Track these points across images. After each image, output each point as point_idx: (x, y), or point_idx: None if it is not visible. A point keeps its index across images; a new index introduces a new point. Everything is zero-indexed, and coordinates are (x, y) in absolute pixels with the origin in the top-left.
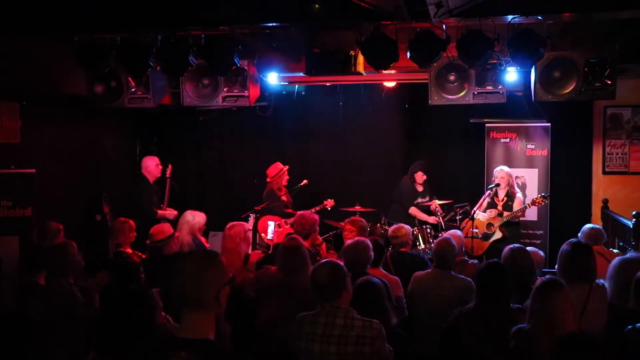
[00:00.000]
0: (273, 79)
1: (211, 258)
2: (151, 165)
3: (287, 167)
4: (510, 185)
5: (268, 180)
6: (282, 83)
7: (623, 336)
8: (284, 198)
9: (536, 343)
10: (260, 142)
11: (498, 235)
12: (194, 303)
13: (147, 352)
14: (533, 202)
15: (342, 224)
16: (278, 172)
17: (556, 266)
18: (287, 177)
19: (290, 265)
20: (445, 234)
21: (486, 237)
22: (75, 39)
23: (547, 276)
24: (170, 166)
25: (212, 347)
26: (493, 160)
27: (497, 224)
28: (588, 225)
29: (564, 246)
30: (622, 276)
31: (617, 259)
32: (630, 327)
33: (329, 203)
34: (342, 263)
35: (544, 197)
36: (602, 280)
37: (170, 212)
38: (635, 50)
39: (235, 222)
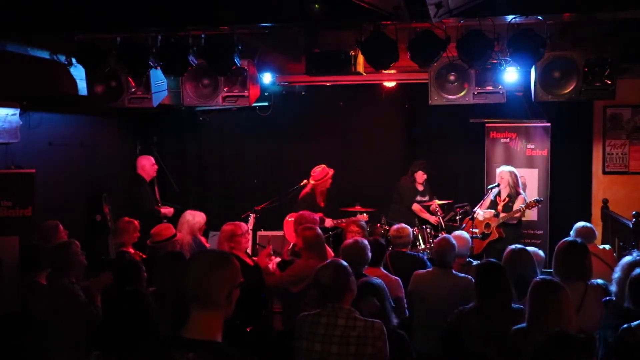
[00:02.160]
0: (268, 78)
1: (224, 257)
2: (147, 165)
3: (333, 171)
4: (511, 186)
5: (311, 180)
6: (282, 83)
7: (618, 335)
8: (317, 201)
9: (533, 343)
10: (260, 142)
11: (494, 235)
12: (204, 302)
13: (152, 350)
14: (527, 206)
15: (344, 224)
16: (324, 176)
17: (552, 264)
18: (331, 181)
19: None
20: (452, 235)
21: (484, 236)
22: (75, 39)
23: (541, 276)
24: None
25: (220, 349)
26: (493, 160)
27: (493, 224)
28: (580, 223)
29: (560, 245)
30: (628, 277)
31: (625, 260)
32: (625, 325)
33: (362, 218)
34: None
35: (537, 202)
36: (598, 280)
37: (169, 210)
38: (635, 50)
39: (228, 223)
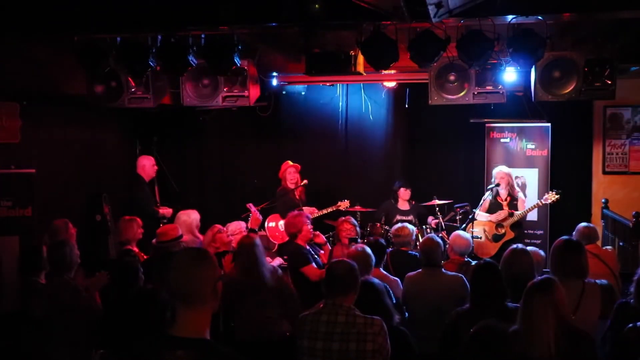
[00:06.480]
0: (273, 79)
1: (201, 253)
2: (147, 165)
3: (296, 165)
4: (510, 186)
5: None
6: (282, 83)
7: (623, 334)
8: (291, 196)
9: (519, 343)
10: (260, 142)
11: (510, 235)
12: (190, 299)
13: (142, 349)
14: (546, 200)
15: (338, 223)
16: (283, 170)
17: (549, 263)
18: (296, 175)
19: (245, 265)
20: (452, 235)
21: (496, 238)
22: (75, 39)
23: (538, 277)
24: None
25: (209, 346)
26: (493, 160)
27: (507, 224)
28: (583, 224)
29: (556, 243)
30: None
31: None
32: (630, 325)
33: (343, 204)
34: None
35: (557, 193)
36: (599, 280)
37: (167, 210)
38: (635, 50)
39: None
